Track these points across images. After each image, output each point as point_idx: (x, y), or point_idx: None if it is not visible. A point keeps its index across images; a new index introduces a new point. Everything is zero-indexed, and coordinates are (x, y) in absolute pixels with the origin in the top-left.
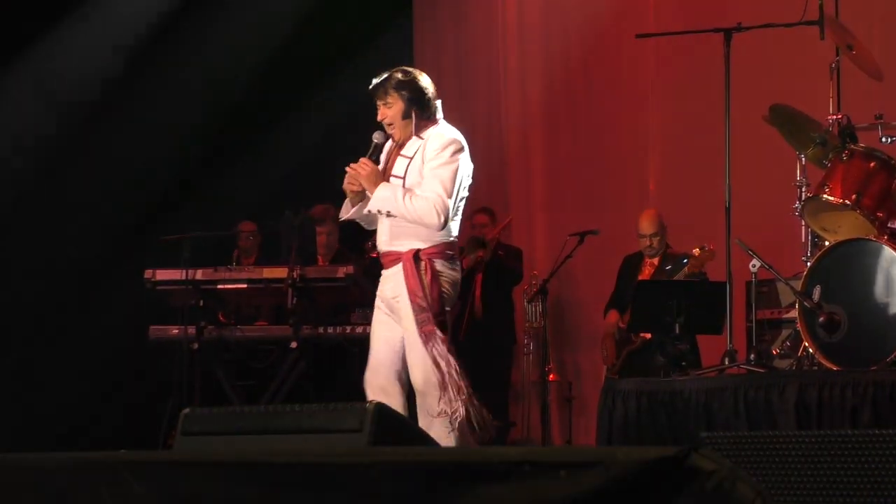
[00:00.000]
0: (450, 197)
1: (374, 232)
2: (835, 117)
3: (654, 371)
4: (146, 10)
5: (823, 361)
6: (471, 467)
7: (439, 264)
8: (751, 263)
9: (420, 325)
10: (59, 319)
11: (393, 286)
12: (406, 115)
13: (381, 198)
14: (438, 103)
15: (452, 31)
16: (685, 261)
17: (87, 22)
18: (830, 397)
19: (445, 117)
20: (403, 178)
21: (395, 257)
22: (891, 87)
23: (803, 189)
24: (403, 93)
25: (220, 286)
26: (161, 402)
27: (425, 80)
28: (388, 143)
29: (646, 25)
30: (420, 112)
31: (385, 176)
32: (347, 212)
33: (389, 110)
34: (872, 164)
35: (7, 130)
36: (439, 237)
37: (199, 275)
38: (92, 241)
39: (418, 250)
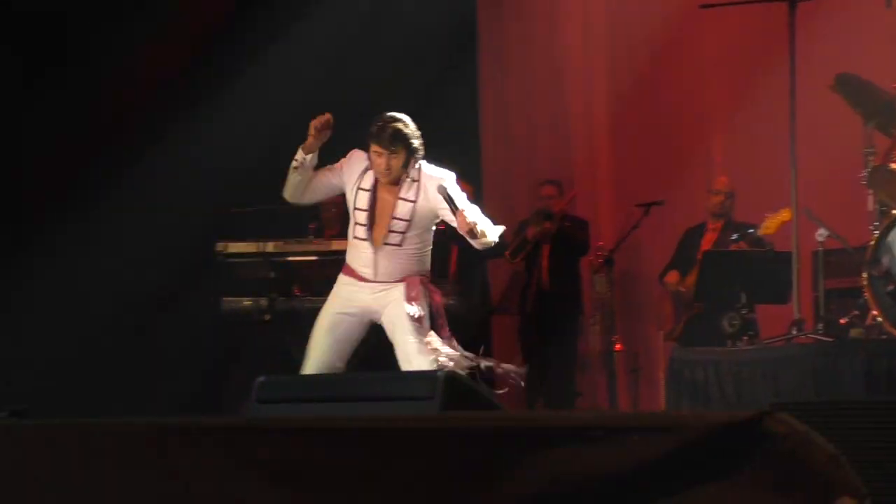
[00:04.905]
0: None
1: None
2: None
3: (715, 339)
4: None
5: (892, 331)
6: (543, 432)
7: None
8: (817, 233)
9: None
10: (134, 293)
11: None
12: (405, 165)
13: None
14: None
15: (514, 3)
16: (751, 231)
17: None
18: None
19: (508, 91)
20: (410, 220)
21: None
22: None
23: (870, 158)
24: (410, 144)
25: (290, 258)
26: (234, 373)
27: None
28: (367, 178)
29: None
30: (416, 160)
31: (380, 216)
32: (295, 184)
33: (395, 160)
34: None
35: None
36: None
37: (270, 247)
38: (167, 215)
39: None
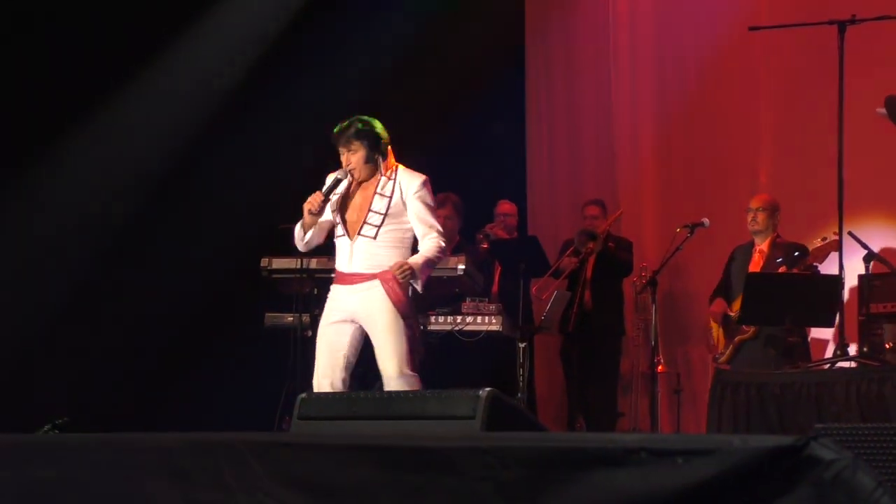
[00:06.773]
0: None
1: (484, 224)
2: None
3: (763, 363)
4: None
5: None
6: (586, 453)
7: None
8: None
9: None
10: (179, 307)
11: (361, 299)
12: (368, 160)
13: (421, 267)
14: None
15: (561, 22)
16: (797, 254)
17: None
18: None
19: (554, 111)
20: (385, 214)
21: (369, 277)
22: None
23: None
24: (364, 141)
25: (333, 275)
26: (275, 389)
27: (380, 127)
28: (346, 182)
29: (758, 18)
30: (381, 156)
31: (359, 211)
32: (302, 238)
33: (354, 156)
34: None
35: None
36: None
37: (314, 263)
38: (213, 230)
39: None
